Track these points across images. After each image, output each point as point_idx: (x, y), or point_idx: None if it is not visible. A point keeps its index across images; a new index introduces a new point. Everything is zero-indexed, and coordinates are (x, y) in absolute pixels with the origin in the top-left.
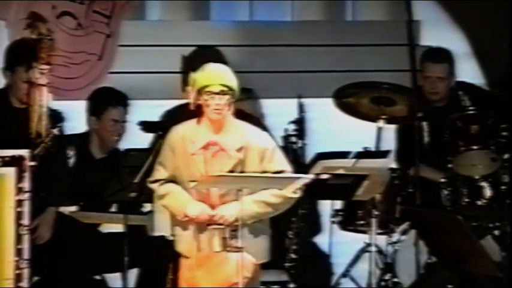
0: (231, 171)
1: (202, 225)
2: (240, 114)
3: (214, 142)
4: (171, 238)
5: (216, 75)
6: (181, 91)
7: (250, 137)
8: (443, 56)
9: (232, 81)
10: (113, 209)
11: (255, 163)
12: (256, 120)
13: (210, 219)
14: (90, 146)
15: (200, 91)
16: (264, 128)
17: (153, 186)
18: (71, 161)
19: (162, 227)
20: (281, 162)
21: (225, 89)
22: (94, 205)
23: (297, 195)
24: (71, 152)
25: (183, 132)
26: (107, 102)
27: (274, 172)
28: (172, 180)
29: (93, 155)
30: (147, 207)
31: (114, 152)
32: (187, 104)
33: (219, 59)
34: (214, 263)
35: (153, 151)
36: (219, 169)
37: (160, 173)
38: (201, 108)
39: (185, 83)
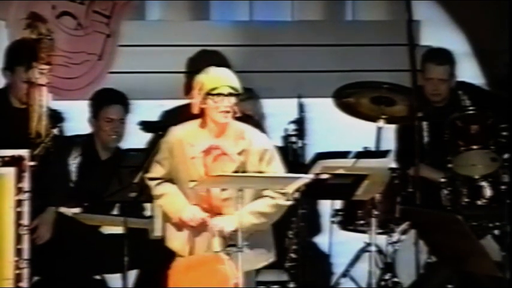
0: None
1: (196, 229)
2: (241, 116)
3: (216, 146)
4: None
5: (224, 78)
6: (185, 95)
7: (252, 139)
8: (445, 57)
9: (238, 84)
10: (116, 210)
11: (255, 164)
12: (256, 121)
13: (203, 223)
14: (96, 147)
15: (208, 94)
16: (263, 129)
17: (151, 183)
18: (78, 162)
19: (162, 229)
20: (278, 166)
21: (233, 91)
22: (97, 206)
23: (289, 203)
24: (76, 153)
25: (181, 134)
26: (101, 102)
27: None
28: (169, 179)
29: (99, 155)
30: (147, 207)
31: (117, 152)
32: (186, 105)
33: (223, 62)
34: (205, 269)
35: (153, 151)
36: (221, 172)
37: (157, 170)
38: (204, 112)
39: (189, 86)
